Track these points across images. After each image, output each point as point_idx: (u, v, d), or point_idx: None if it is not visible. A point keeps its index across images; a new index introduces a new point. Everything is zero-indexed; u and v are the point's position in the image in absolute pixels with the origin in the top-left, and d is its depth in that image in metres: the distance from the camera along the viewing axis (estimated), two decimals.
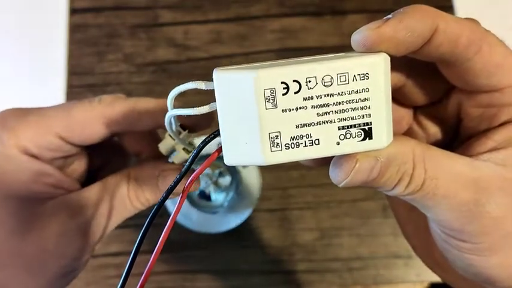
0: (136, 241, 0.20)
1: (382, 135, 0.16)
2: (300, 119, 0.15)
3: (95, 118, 0.22)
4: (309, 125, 0.15)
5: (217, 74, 0.16)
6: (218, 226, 0.40)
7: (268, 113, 0.15)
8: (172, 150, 0.23)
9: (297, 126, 0.15)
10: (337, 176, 0.17)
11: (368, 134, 0.16)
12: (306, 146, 0.16)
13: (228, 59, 0.47)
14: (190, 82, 0.18)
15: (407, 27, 0.16)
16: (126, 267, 0.19)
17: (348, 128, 0.16)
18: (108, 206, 0.22)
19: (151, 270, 0.21)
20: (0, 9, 0.49)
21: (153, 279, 0.42)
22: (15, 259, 0.21)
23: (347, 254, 0.42)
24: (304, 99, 0.15)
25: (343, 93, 0.15)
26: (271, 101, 0.15)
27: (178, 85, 0.20)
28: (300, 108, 0.15)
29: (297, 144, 0.16)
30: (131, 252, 0.20)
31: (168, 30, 0.48)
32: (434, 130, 0.22)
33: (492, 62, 0.17)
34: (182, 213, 0.39)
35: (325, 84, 0.15)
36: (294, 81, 0.15)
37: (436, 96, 0.21)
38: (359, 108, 0.15)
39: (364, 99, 0.15)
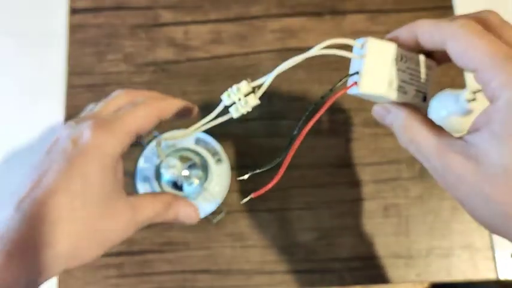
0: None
1: (426, 104, 0.28)
2: (403, 76, 0.27)
3: (154, 118, 0.30)
4: (405, 82, 0.27)
5: (371, 39, 0.27)
6: None
7: (393, 68, 0.27)
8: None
9: (400, 81, 0.27)
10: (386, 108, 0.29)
11: (424, 99, 0.28)
12: (401, 92, 0.27)
13: (228, 59, 0.47)
14: (348, 39, 0.27)
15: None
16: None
17: (417, 91, 0.27)
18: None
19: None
20: (0, 9, 0.49)
21: (153, 279, 0.42)
22: (93, 234, 0.28)
23: (347, 254, 0.42)
24: (407, 67, 0.27)
25: (423, 72, 0.28)
26: (396, 60, 0.27)
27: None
28: (403, 71, 0.27)
29: (398, 89, 0.27)
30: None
31: (168, 30, 0.48)
32: None
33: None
34: None
35: (416, 63, 0.27)
36: (404, 56, 0.27)
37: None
38: (423, 83, 0.28)
39: (426, 81, 0.28)
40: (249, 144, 0.44)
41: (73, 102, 0.46)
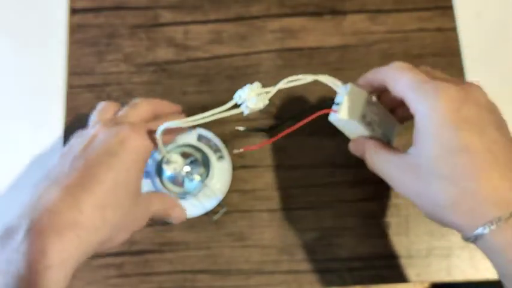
0: None
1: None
2: (373, 116, 0.35)
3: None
4: (374, 122, 0.35)
5: (352, 85, 0.35)
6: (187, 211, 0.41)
7: (366, 108, 0.35)
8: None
9: (370, 118, 0.35)
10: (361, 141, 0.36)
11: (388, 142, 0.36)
12: (370, 128, 0.35)
13: (228, 59, 0.47)
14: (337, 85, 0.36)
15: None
16: None
17: (383, 135, 0.35)
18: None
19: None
20: (0, 9, 0.49)
21: (153, 279, 0.42)
22: (125, 222, 0.33)
23: (347, 254, 0.42)
24: (377, 112, 0.35)
25: (390, 123, 0.36)
26: (369, 103, 0.35)
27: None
28: (375, 113, 0.35)
29: (368, 124, 0.35)
30: None
31: (168, 30, 0.48)
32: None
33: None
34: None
35: (385, 115, 0.36)
36: (377, 104, 0.36)
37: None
38: (389, 131, 0.35)
39: (391, 131, 0.36)
40: (250, 142, 0.44)
41: (73, 103, 0.46)
